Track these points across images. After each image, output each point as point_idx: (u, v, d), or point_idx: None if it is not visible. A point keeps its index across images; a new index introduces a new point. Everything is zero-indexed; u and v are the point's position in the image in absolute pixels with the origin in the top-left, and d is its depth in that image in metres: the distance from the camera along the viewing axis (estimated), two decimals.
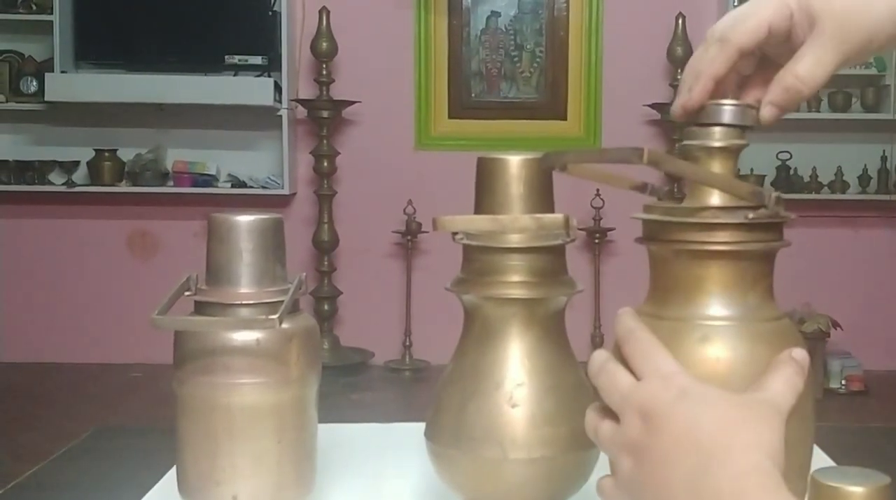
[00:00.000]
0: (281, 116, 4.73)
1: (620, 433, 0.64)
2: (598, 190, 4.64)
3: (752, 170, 4.66)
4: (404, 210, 4.71)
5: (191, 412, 0.88)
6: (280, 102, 4.72)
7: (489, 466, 0.84)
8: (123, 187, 4.91)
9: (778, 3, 0.68)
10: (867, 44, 0.68)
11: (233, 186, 4.89)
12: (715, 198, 0.69)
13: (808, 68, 0.68)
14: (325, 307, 4.75)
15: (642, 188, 0.77)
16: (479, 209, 0.88)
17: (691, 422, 0.60)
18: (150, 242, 5.02)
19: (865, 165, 4.75)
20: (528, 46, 4.97)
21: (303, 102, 4.76)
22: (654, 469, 0.61)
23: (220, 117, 4.86)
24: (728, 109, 0.69)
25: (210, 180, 4.92)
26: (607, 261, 4.78)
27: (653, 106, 4.69)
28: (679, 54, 4.61)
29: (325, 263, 4.75)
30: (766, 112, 0.69)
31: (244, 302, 0.87)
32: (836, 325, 4.31)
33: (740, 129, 0.70)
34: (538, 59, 4.97)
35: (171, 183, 4.94)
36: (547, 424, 0.84)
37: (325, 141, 4.71)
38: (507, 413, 0.84)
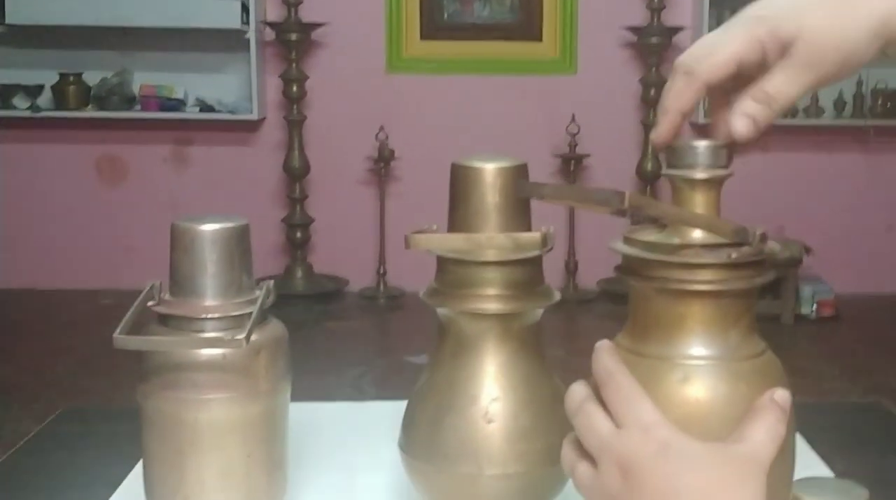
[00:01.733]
0: (248, 38, 4.62)
1: (598, 481, 0.62)
2: (573, 115, 4.59)
3: None
4: (376, 136, 4.64)
5: (157, 427, 0.86)
6: (247, 24, 4.60)
7: (464, 481, 0.83)
8: (90, 112, 4.81)
9: (747, 35, 0.65)
10: (842, 66, 0.65)
11: (201, 111, 4.81)
12: (697, 233, 0.67)
13: (777, 86, 0.65)
14: (298, 235, 4.72)
15: (621, 213, 0.74)
16: (452, 218, 0.85)
17: (672, 485, 0.58)
18: (119, 167, 4.94)
19: (841, 90, 4.71)
20: None
21: (271, 24, 4.64)
22: None
23: (187, 40, 4.74)
24: (701, 150, 0.66)
25: (177, 105, 4.83)
26: None
27: (630, 29, 4.61)
28: None
29: (297, 190, 4.69)
30: (739, 122, 0.65)
31: (210, 316, 0.84)
32: (808, 250, 4.33)
33: (725, 153, 0.67)
34: None
35: (139, 107, 4.85)
36: (523, 439, 0.83)
37: (294, 64, 4.61)
38: (483, 429, 0.83)
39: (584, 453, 0.64)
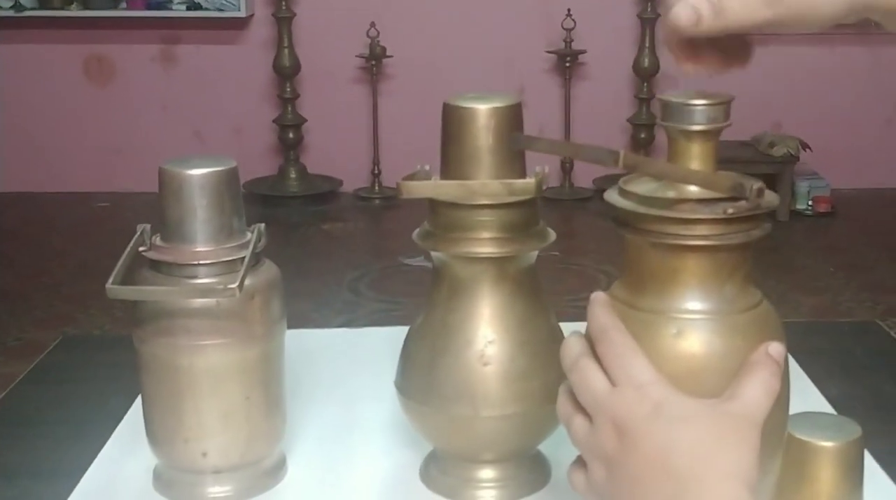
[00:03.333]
0: None
1: (594, 438, 0.63)
2: (569, 10, 4.49)
3: None
4: (367, 33, 4.55)
5: (154, 371, 0.86)
6: None
7: (461, 422, 0.84)
8: (74, 11, 4.71)
9: None
10: (804, 16, 0.62)
11: (188, 9, 4.71)
12: (693, 187, 0.66)
13: (732, 2, 0.61)
14: (290, 135, 4.67)
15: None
16: (445, 158, 0.83)
17: (666, 445, 0.59)
18: (107, 67, 4.86)
19: None
20: None
21: None
22: (628, 488, 0.60)
23: None
24: (697, 111, 0.64)
25: (164, 2, 4.73)
26: (578, 85, 4.68)
27: None
28: None
29: (288, 89, 4.62)
30: (683, 10, 0.60)
31: (201, 262, 0.83)
32: (805, 146, 4.30)
33: (722, 110, 0.66)
34: None
35: (124, 5, 4.75)
36: (519, 380, 0.83)
37: None
38: (479, 372, 0.83)
39: (580, 406, 0.65)
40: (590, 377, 0.63)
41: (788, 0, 0.62)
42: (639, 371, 0.62)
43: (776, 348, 0.64)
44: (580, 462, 0.66)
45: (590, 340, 0.66)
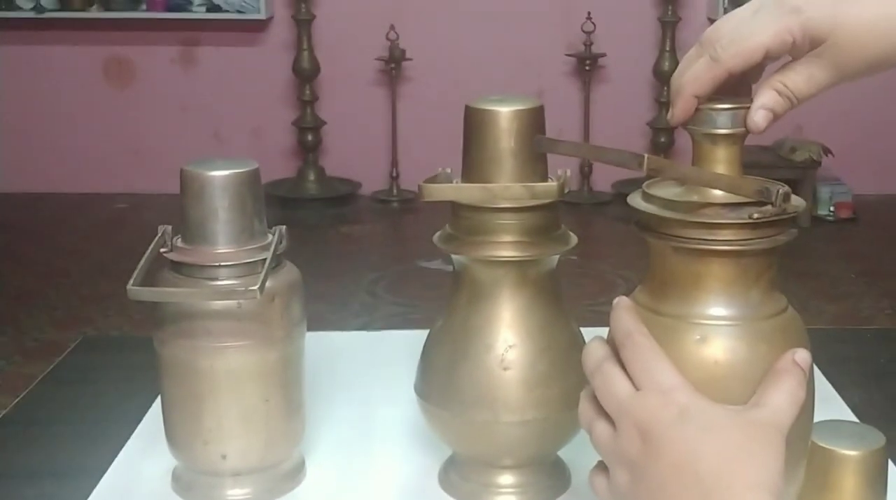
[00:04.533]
0: None
1: (617, 443, 0.62)
2: (589, 13, 4.48)
3: None
4: (387, 36, 4.56)
5: (174, 374, 0.86)
6: None
7: (480, 428, 0.83)
8: (95, 13, 4.74)
9: (778, 26, 0.62)
10: (870, 69, 0.63)
11: (208, 10, 4.73)
12: (718, 191, 0.65)
13: (798, 83, 0.63)
14: (309, 138, 4.68)
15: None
16: (466, 162, 0.83)
17: (691, 452, 0.58)
18: (127, 69, 4.88)
19: None
20: None
21: None
22: (651, 494, 0.59)
23: None
24: (722, 115, 0.64)
25: (184, 4, 4.75)
26: (597, 88, 4.67)
27: None
28: None
29: (307, 91, 4.63)
30: (759, 117, 0.64)
31: (223, 264, 0.83)
32: (827, 152, 4.27)
33: (747, 114, 0.65)
34: None
35: (144, 7, 4.77)
36: (539, 386, 0.83)
37: None
38: (499, 377, 0.82)
39: (603, 411, 0.64)
40: (613, 382, 0.63)
41: (843, 63, 0.63)
42: (664, 376, 0.61)
43: (802, 355, 0.64)
44: (601, 467, 0.65)
45: (612, 345, 0.65)
